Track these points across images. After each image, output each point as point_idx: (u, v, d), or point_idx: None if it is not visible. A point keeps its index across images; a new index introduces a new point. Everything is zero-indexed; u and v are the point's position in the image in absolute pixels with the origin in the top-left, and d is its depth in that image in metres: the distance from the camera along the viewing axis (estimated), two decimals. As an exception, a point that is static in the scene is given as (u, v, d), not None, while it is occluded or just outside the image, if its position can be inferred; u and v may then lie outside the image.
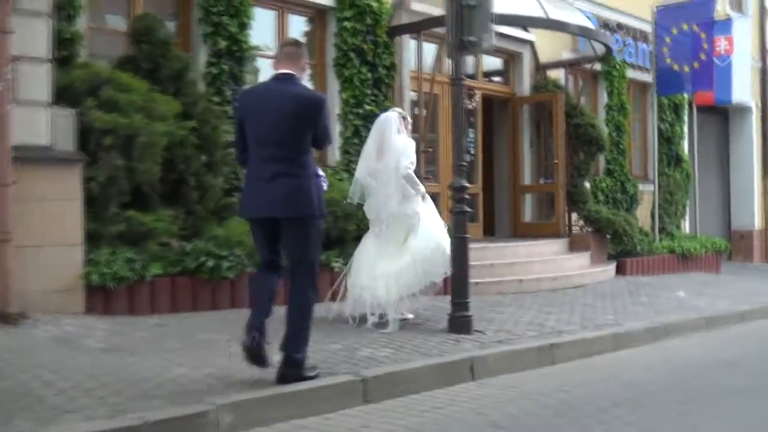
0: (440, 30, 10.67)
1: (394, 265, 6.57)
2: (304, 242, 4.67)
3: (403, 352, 5.74)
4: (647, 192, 15.46)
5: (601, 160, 14.43)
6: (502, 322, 7.35)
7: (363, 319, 6.64)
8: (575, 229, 12.68)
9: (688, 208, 16.50)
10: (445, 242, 6.71)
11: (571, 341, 6.73)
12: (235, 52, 8.70)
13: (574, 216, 12.69)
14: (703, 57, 13.68)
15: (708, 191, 19.64)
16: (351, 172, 9.85)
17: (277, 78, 4.75)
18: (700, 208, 18.65)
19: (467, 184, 6.71)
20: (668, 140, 15.92)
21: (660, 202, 15.54)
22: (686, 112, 16.50)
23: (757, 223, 19.50)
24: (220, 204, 7.63)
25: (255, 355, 4.57)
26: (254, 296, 4.88)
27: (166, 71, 7.14)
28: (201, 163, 7.23)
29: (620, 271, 12.49)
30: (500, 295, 9.46)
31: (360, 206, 7.18)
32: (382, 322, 6.56)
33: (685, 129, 16.67)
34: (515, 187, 12.86)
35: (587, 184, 13.39)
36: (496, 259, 10.31)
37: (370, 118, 10.07)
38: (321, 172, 4.99)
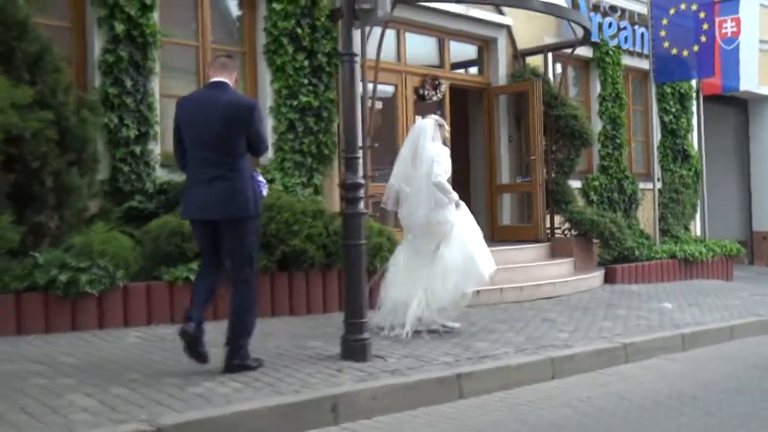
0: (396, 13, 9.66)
1: (424, 275, 6.42)
2: (242, 242, 4.94)
3: (252, 388, 4.62)
4: (650, 191, 14.14)
5: (595, 156, 13.17)
6: (418, 345, 6.19)
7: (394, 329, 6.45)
8: (559, 233, 11.42)
9: (698, 209, 15.09)
10: (479, 252, 6.55)
11: (487, 370, 5.52)
12: (135, 38, 7.67)
13: (559, 218, 11.45)
14: (703, 39, 12.33)
15: (726, 189, 18.24)
16: (285, 171, 8.82)
17: (211, 86, 5.02)
18: (716, 208, 17.30)
19: (361, 181, 5.57)
20: (673, 133, 14.57)
21: (664, 201, 14.25)
22: (694, 102, 15.10)
23: (782, 223, 17.96)
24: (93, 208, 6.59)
25: (192, 344, 4.75)
26: (193, 296, 5.03)
27: (20, 56, 6.11)
28: (64, 161, 6.19)
29: (609, 279, 11.25)
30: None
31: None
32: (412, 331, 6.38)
33: (694, 121, 15.27)
34: (491, 186, 11.65)
35: (573, 183, 12.16)
36: (452, 267, 9.14)
37: (307, 111, 9.02)
38: (260, 178, 5.16)
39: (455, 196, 6.55)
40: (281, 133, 8.84)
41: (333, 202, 9.21)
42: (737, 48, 13.41)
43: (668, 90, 14.41)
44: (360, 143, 9.10)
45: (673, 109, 14.51)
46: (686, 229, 14.76)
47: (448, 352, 5.96)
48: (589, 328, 7.42)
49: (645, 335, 7.21)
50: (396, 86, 10.41)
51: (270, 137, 8.76)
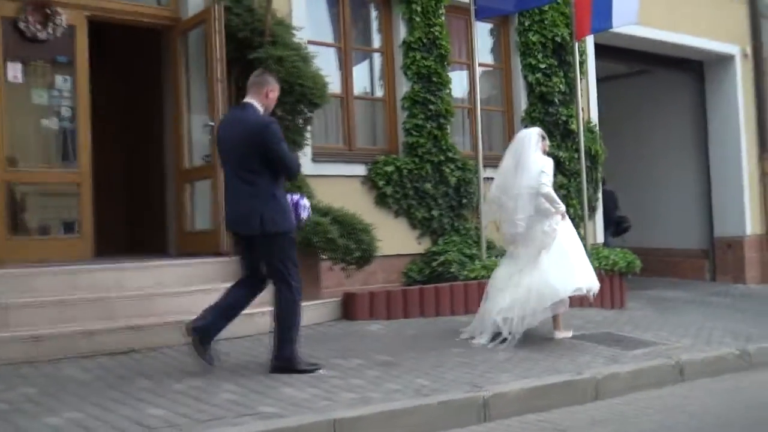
0: None
1: (524, 284, 6.41)
2: (265, 257, 5.16)
3: None
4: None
5: (399, 130, 9.07)
6: None
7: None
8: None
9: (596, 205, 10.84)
10: (580, 263, 6.61)
11: None
12: None
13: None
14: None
15: (681, 183, 13.76)
16: None
17: (238, 106, 5.44)
18: (668, 208, 13.55)
19: None
20: (543, 99, 10.26)
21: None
22: (588, 57, 10.81)
23: (751, 225, 13.34)
24: None
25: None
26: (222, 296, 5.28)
27: None
28: None
29: (349, 312, 7.21)
30: None
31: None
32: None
33: (590, 81, 10.96)
34: (177, 172, 7.73)
35: (345, 168, 8.20)
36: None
37: None
38: (303, 201, 5.38)
39: (563, 207, 6.62)
40: None
41: None
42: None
43: (533, 38, 10.15)
44: None
45: (543, 65, 10.22)
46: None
47: None
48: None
49: None
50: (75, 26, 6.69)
51: None
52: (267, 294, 6.46)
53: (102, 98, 7.94)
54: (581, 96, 10.31)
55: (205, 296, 6.15)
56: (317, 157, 8.23)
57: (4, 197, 6.67)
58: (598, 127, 10.87)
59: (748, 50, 13.34)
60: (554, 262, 6.45)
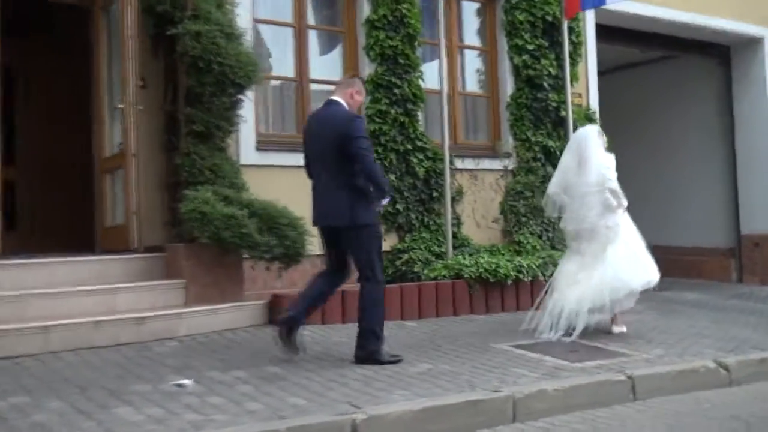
0: None
1: (592, 278, 6.46)
2: (354, 249, 5.28)
3: None
4: (492, 173, 9.16)
5: (363, 116, 8.30)
6: None
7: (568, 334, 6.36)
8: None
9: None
10: (644, 254, 6.66)
11: None
12: None
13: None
14: None
15: (705, 176, 12.66)
16: None
17: (325, 103, 5.50)
18: (690, 204, 12.48)
19: None
20: (531, 83, 9.35)
21: (517, 187, 9.24)
22: (587, 36, 9.88)
23: (782, 222, 12.12)
24: None
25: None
26: (306, 288, 5.51)
27: None
28: None
29: (275, 316, 6.50)
30: None
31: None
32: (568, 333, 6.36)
33: (590, 65, 10.04)
34: (99, 161, 7.13)
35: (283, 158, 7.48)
36: None
37: None
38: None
39: (625, 202, 6.65)
40: None
41: None
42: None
43: (521, 17, 9.25)
44: None
45: (531, 47, 9.31)
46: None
47: None
48: None
49: None
50: None
51: None
52: (160, 299, 5.86)
53: (40, 80, 7.42)
54: (574, 80, 9.51)
55: (89, 298, 5.55)
56: (263, 146, 7.56)
57: None
58: (597, 115, 9.92)
59: (779, 32, 12.14)
60: (622, 256, 6.52)
